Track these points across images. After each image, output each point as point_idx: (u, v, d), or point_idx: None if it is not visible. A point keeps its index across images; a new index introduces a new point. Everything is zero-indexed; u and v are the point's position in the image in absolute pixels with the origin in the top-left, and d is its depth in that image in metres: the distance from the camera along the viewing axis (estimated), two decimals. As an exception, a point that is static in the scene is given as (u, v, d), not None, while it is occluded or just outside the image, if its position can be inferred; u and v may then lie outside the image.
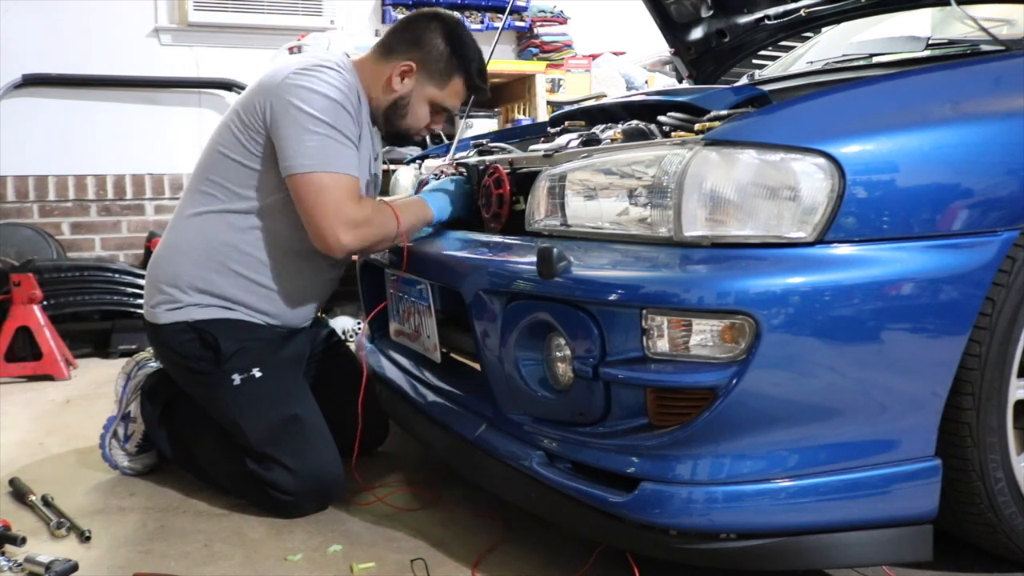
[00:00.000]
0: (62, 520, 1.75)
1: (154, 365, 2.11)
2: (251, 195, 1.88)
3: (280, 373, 1.89)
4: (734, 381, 1.24)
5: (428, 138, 3.89)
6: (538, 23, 4.59)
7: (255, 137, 1.85)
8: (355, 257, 2.19)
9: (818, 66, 2.30)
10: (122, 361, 2.25)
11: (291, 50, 3.81)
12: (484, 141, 2.20)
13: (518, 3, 4.56)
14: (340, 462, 1.86)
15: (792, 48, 2.92)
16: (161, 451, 2.04)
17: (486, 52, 2.02)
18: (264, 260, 1.90)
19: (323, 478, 1.82)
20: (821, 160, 1.26)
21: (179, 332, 1.89)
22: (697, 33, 2.65)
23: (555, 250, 1.35)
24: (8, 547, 1.63)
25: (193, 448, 1.97)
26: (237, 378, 1.85)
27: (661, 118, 1.58)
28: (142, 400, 2.05)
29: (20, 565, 1.56)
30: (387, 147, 3.73)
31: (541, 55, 4.54)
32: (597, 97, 4.06)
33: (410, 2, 4.41)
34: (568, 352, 1.41)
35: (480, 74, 2.00)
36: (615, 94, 4.05)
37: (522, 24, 4.62)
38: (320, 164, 1.77)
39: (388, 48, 1.97)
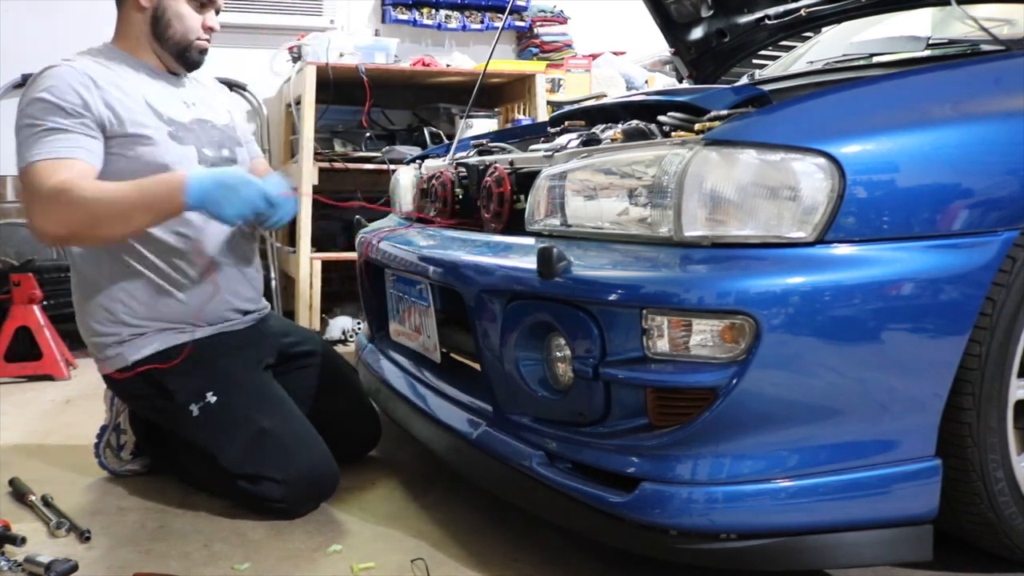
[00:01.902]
0: (62, 520, 1.75)
1: None
2: None
3: (235, 389, 1.84)
4: (734, 381, 1.24)
5: (428, 138, 3.90)
6: (538, 23, 4.59)
7: None
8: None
9: (818, 66, 2.30)
10: None
11: (291, 50, 3.81)
12: (484, 141, 2.20)
13: (518, 3, 4.56)
14: (326, 454, 1.82)
15: (792, 48, 2.92)
16: (158, 464, 2.03)
17: (486, 52, 2.02)
18: (145, 266, 1.85)
19: (312, 478, 1.79)
20: (821, 160, 1.26)
21: (128, 381, 1.87)
22: (697, 33, 2.65)
23: (555, 250, 1.35)
24: (8, 547, 1.63)
25: (187, 464, 1.94)
26: (195, 408, 1.81)
27: (661, 118, 1.58)
28: (131, 413, 2.03)
29: (20, 565, 1.55)
30: (387, 147, 3.74)
31: (541, 55, 4.54)
32: (597, 97, 4.06)
33: (410, 1, 4.41)
34: (568, 352, 1.41)
35: None
36: (615, 94, 4.05)
37: (522, 24, 4.62)
38: (27, 157, 1.73)
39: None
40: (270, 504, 1.77)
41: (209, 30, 1.97)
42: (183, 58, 1.97)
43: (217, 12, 1.99)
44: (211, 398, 1.81)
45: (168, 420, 1.89)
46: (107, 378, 1.95)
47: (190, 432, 1.83)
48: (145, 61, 1.95)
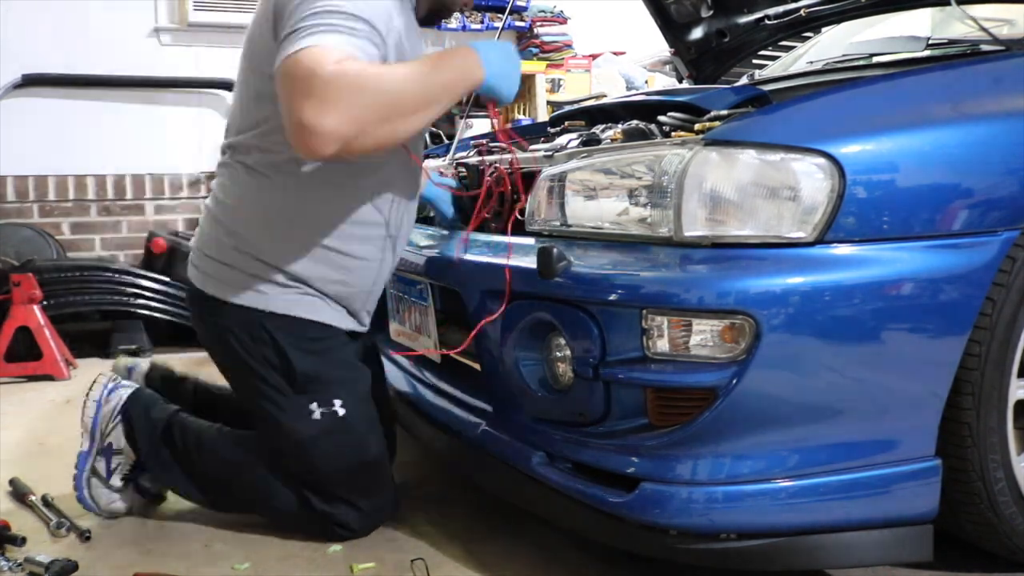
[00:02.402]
0: (62, 520, 1.75)
1: (128, 384, 1.83)
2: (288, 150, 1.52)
3: (361, 407, 1.68)
4: (734, 381, 1.24)
5: (428, 138, 3.90)
6: (538, 23, 4.59)
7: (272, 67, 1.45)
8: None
9: (818, 66, 2.30)
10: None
11: None
12: (484, 141, 2.20)
13: (518, 3, 4.56)
14: (393, 483, 1.74)
15: (792, 48, 2.92)
16: (180, 490, 1.79)
17: (494, 33, 2.00)
18: (335, 221, 1.62)
19: (387, 508, 1.73)
20: (821, 160, 1.26)
21: (247, 324, 1.63)
22: (697, 33, 2.65)
23: (555, 250, 1.35)
24: (8, 547, 1.63)
25: (234, 486, 1.74)
26: (317, 411, 1.63)
27: (661, 118, 1.58)
28: (125, 428, 1.78)
29: (20, 565, 1.56)
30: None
31: (541, 55, 4.54)
32: (597, 97, 4.06)
33: (410, 2, 4.41)
34: (568, 352, 1.41)
35: None
36: (615, 94, 4.05)
37: (522, 24, 4.62)
38: (305, 44, 1.35)
39: None
40: (340, 531, 1.66)
41: (465, 4, 1.75)
42: (432, 13, 1.72)
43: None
44: (339, 407, 1.64)
45: (264, 396, 1.64)
46: (214, 302, 1.65)
47: (296, 429, 1.62)
48: None
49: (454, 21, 4.47)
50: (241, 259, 1.64)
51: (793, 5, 2.46)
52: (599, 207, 1.42)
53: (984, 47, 1.78)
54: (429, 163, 2.21)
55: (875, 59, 2.10)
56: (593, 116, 1.98)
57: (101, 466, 1.78)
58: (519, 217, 1.60)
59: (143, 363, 1.93)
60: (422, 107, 1.44)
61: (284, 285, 1.64)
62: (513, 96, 1.55)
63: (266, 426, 1.68)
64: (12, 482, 1.97)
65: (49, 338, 3.21)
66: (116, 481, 1.78)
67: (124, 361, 1.92)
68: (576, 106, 2.23)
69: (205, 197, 3.44)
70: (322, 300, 1.67)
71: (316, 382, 1.64)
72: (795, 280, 1.24)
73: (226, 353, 1.69)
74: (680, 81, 2.85)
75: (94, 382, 1.84)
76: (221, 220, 1.69)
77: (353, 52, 1.38)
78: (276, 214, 1.63)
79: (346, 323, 1.72)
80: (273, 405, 1.64)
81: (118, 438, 1.78)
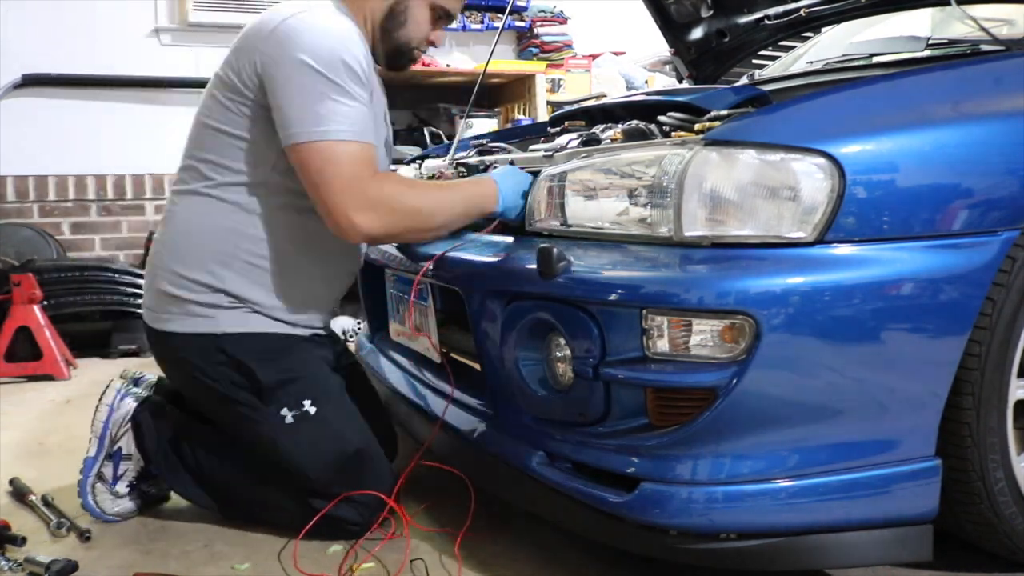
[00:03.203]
0: (62, 520, 1.75)
1: (140, 392, 1.83)
2: (249, 171, 1.67)
3: (333, 404, 1.71)
4: (734, 381, 1.24)
5: (428, 138, 3.90)
6: (538, 23, 4.60)
7: (245, 102, 1.64)
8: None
9: (818, 66, 2.30)
10: (114, 365, 2.04)
11: None
12: (484, 141, 2.20)
13: (518, 3, 4.56)
14: (392, 474, 1.74)
15: (792, 48, 2.92)
16: (186, 494, 1.81)
17: (486, 52, 2.01)
18: (273, 247, 1.69)
19: (384, 500, 1.71)
20: (821, 160, 1.26)
21: (202, 349, 1.67)
22: (697, 33, 2.65)
23: (555, 250, 1.35)
24: (8, 547, 1.63)
25: (236, 491, 1.77)
26: (288, 415, 1.65)
27: (661, 118, 1.58)
28: (136, 433, 1.78)
29: (20, 565, 1.56)
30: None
31: (541, 55, 4.54)
32: (597, 97, 4.06)
33: (410, 2, 4.41)
34: (568, 352, 1.41)
35: None
36: (615, 94, 4.05)
37: (522, 24, 4.62)
38: (329, 130, 1.55)
39: None
40: (344, 525, 1.67)
41: (430, 44, 1.85)
42: (394, 60, 1.83)
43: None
44: (309, 407, 1.67)
45: (237, 415, 1.69)
46: (171, 337, 1.69)
47: (274, 438, 1.66)
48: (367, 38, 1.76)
49: (454, 21, 4.47)
50: (186, 289, 1.69)
51: (793, 5, 2.46)
52: (599, 207, 1.42)
53: (984, 47, 1.78)
54: (433, 163, 2.21)
55: (875, 59, 2.10)
56: (593, 116, 1.98)
57: (107, 471, 1.78)
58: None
59: (149, 376, 1.92)
60: (443, 227, 1.67)
61: (231, 307, 1.69)
62: (519, 219, 1.62)
63: (249, 440, 1.71)
64: (12, 482, 1.97)
65: (49, 338, 3.21)
66: (121, 487, 1.79)
67: (131, 372, 1.92)
68: (576, 106, 2.23)
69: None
70: (271, 315, 1.72)
71: (282, 388, 1.67)
72: (795, 280, 1.24)
73: (192, 384, 1.74)
74: (680, 81, 2.85)
75: (107, 387, 1.84)
76: (164, 251, 1.74)
77: (370, 138, 1.60)
78: (220, 238, 1.68)
79: (300, 330, 1.76)
80: (248, 421, 1.68)
81: (128, 444, 1.79)
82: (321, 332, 1.83)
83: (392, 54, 1.82)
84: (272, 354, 1.69)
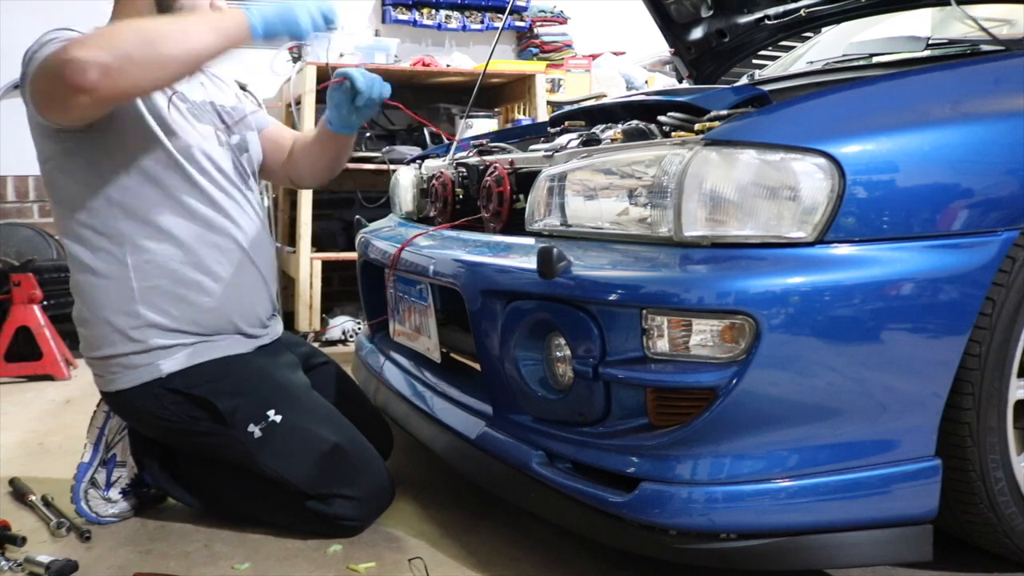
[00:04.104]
0: (62, 520, 1.75)
1: None
2: (104, 192, 1.65)
3: (295, 405, 1.71)
4: (734, 381, 1.24)
5: (428, 138, 3.90)
6: (538, 23, 4.59)
7: (48, 129, 1.66)
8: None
9: (818, 66, 2.30)
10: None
11: (291, 50, 3.81)
12: (484, 141, 2.20)
13: (518, 3, 4.56)
14: (384, 466, 1.76)
15: (792, 48, 2.92)
16: (180, 500, 1.81)
17: (486, 52, 2.00)
18: (170, 261, 1.67)
19: (381, 491, 1.73)
20: (821, 160, 1.26)
21: (154, 397, 1.67)
22: (697, 33, 2.65)
23: (555, 250, 1.35)
24: (8, 547, 1.63)
25: (231, 497, 1.77)
26: (256, 430, 1.65)
27: (661, 118, 1.58)
28: (131, 442, 1.79)
29: (20, 565, 1.55)
30: (387, 147, 3.74)
31: (541, 55, 4.54)
32: (597, 97, 4.06)
33: (410, 1, 4.41)
34: (568, 352, 1.41)
35: None
36: (615, 94, 4.05)
37: (522, 24, 4.62)
38: (42, 51, 1.52)
39: None
40: (342, 523, 1.67)
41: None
42: None
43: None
44: (274, 417, 1.66)
45: (207, 443, 1.70)
46: (120, 396, 1.70)
47: (247, 455, 1.66)
48: None
49: (454, 21, 4.47)
50: (113, 348, 1.68)
51: (793, 5, 2.46)
52: (599, 207, 1.42)
53: (984, 47, 1.78)
54: (433, 163, 2.21)
55: (875, 59, 2.10)
56: (593, 116, 1.98)
57: (101, 477, 1.78)
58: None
59: None
60: (181, 37, 1.48)
61: (165, 346, 1.68)
62: (301, 25, 1.55)
63: (231, 463, 1.71)
64: (12, 482, 1.97)
65: (49, 338, 3.20)
66: (113, 494, 1.78)
67: None
68: (576, 106, 2.23)
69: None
70: (206, 341, 1.71)
71: (241, 408, 1.67)
72: (795, 280, 1.24)
73: (159, 431, 1.75)
74: (680, 81, 2.85)
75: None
76: (79, 321, 1.74)
77: None
78: (115, 284, 1.66)
79: (241, 347, 1.76)
80: (221, 447, 1.69)
81: (123, 451, 1.80)
82: (266, 342, 1.83)
83: None
84: (220, 378, 1.69)
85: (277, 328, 1.90)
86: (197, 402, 1.67)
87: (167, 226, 1.68)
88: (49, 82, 1.50)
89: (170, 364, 1.68)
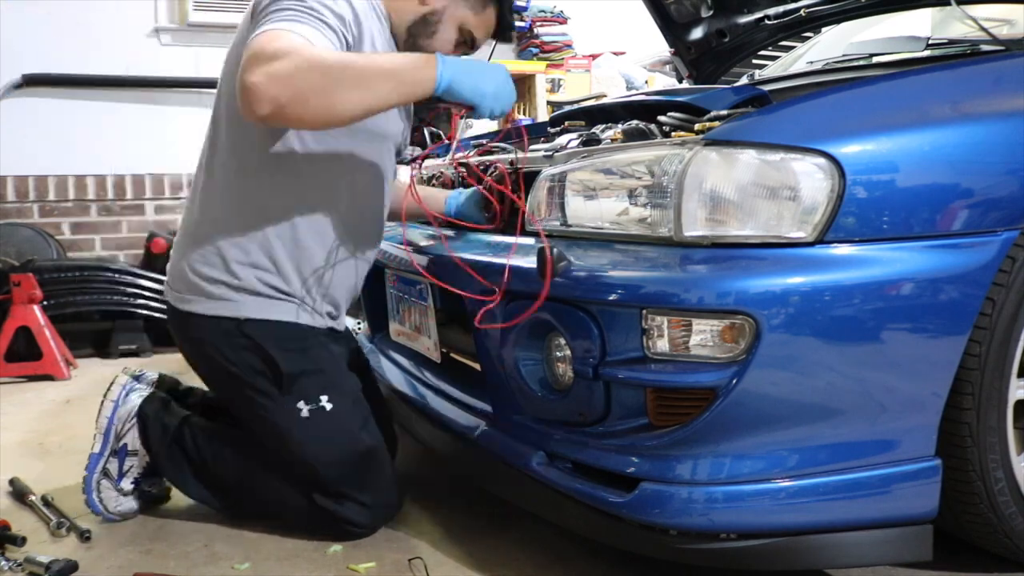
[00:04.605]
0: (62, 520, 1.75)
1: (144, 388, 1.85)
2: (265, 156, 1.66)
3: (349, 402, 1.71)
4: (734, 381, 1.24)
5: (428, 137, 3.90)
6: (538, 23, 4.59)
7: None
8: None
9: (818, 66, 2.30)
10: (114, 365, 2.04)
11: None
12: (484, 141, 2.20)
13: (518, 3, 4.56)
14: (396, 476, 1.75)
15: (792, 48, 2.92)
16: (192, 494, 1.79)
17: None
18: (293, 234, 1.68)
19: (391, 504, 1.73)
20: (821, 160, 1.26)
21: (226, 333, 1.66)
22: (697, 33, 2.65)
23: (555, 250, 1.35)
24: (8, 547, 1.63)
25: (239, 488, 1.76)
26: (304, 408, 1.65)
27: (661, 118, 1.58)
28: (141, 429, 1.78)
29: (20, 565, 1.56)
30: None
31: (541, 55, 4.54)
32: (597, 97, 4.06)
33: (410, 2, 4.41)
34: (568, 352, 1.41)
35: (511, 11, 1.82)
36: (615, 94, 4.05)
37: (522, 24, 4.61)
38: (264, 29, 1.45)
39: None
40: (347, 526, 1.67)
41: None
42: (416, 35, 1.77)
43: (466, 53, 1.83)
44: (326, 403, 1.66)
45: (254, 402, 1.67)
46: (185, 315, 1.69)
47: (287, 429, 1.65)
48: (387, 22, 1.75)
49: (474, 52, 4.46)
50: (212, 271, 1.68)
51: (793, 5, 2.46)
52: (599, 207, 1.42)
53: (984, 47, 1.78)
54: (433, 163, 2.21)
55: (875, 59, 2.10)
56: (593, 116, 1.98)
57: (113, 467, 1.78)
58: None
59: (151, 373, 1.93)
60: (360, 85, 1.44)
61: (255, 292, 1.67)
62: (483, 99, 1.54)
63: (261, 430, 1.70)
64: (12, 482, 1.97)
65: (49, 338, 3.21)
66: (127, 484, 1.78)
67: (132, 370, 1.92)
68: (576, 106, 2.23)
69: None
70: (295, 303, 1.70)
71: (301, 381, 1.66)
72: (795, 280, 1.24)
73: (211, 367, 1.73)
74: (680, 81, 2.85)
75: (112, 383, 1.84)
76: (189, 236, 1.73)
77: (309, 34, 1.46)
78: (244, 220, 1.67)
79: (321, 322, 1.75)
80: (263, 409, 1.67)
81: (133, 440, 1.78)
82: (338, 327, 1.82)
83: (412, 38, 1.77)
84: (294, 344, 1.68)
85: (344, 320, 1.89)
86: (264, 357, 1.65)
87: (320, 191, 1.68)
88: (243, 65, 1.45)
89: (253, 310, 1.66)
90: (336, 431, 1.67)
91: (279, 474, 1.70)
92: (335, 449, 1.66)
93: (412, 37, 1.77)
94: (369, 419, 1.74)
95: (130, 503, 1.79)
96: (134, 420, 1.79)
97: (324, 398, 1.66)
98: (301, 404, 1.65)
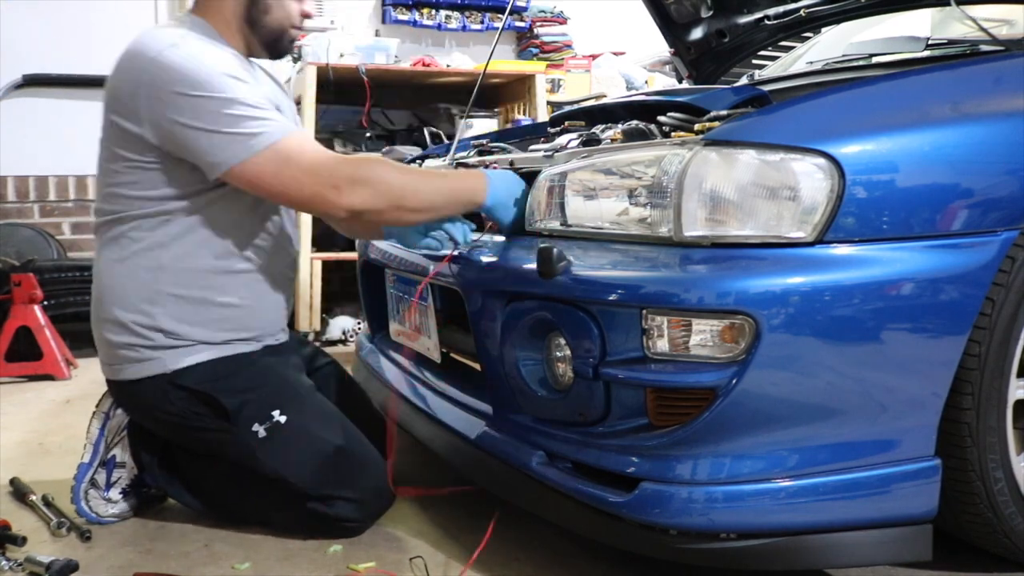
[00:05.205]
0: (62, 520, 1.75)
1: None
2: (162, 198, 1.64)
3: (300, 407, 1.70)
4: (734, 381, 1.24)
5: (428, 138, 3.90)
6: (538, 23, 4.59)
7: (144, 127, 1.59)
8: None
9: (818, 66, 2.30)
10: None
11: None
12: (484, 141, 2.20)
13: (518, 3, 4.56)
14: (385, 467, 1.74)
15: (792, 48, 2.92)
16: (180, 501, 1.81)
17: (486, 53, 1.99)
18: (196, 274, 1.67)
19: (381, 493, 1.72)
20: (821, 160, 1.26)
21: (159, 391, 1.67)
22: (697, 33, 2.65)
23: (555, 250, 1.35)
24: (8, 547, 1.63)
25: (231, 497, 1.76)
26: (260, 429, 1.65)
27: (661, 118, 1.58)
28: (131, 442, 1.79)
29: (20, 565, 1.56)
30: (387, 147, 3.73)
31: (541, 55, 4.54)
32: (597, 97, 4.06)
33: (410, 2, 4.41)
34: (568, 352, 1.41)
35: None
36: (615, 94, 4.05)
37: (522, 24, 4.62)
38: (257, 139, 1.54)
39: None
40: (343, 524, 1.67)
41: (305, 17, 1.78)
42: (274, 47, 1.78)
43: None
44: (279, 417, 1.66)
45: (210, 440, 1.69)
46: (126, 386, 1.70)
47: (251, 455, 1.66)
48: (233, 46, 1.73)
49: (454, 21, 4.47)
50: (127, 335, 1.67)
51: (793, 5, 2.46)
52: (599, 207, 1.42)
53: (984, 47, 1.78)
54: (433, 164, 2.21)
55: (875, 59, 2.10)
56: (593, 116, 1.98)
57: (101, 478, 1.78)
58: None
59: None
60: (428, 205, 1.60)
61: (175, 346, 1.68)
62: (510, 222, 1.60)
63: (232, 460, 1.71)
64: (12, 482, 1.97)
65: (49, 338, 3.20)
66: (114, 494, 1.78)
67: None
68: (576, 106, 2.23)
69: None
70: (216, 343, 1.71)
71: (249, 406, 1.67)
72: (795, 280, 1.24)
73: (162, 425, 1.75)
74: (680, 81, 2.85)
75: (104, 394, 1.83)
76: (99, 301, 1.72)
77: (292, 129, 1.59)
78: (143, 279, 1.66)
79: (255, 346, 1.76)
80: (223, 444, 1.69)
81: (122, 452, 1.80)
82: (274, 342, 1.81)
83: (270, 42, 1.77)
84: (227, 377, 1.69)
85: (283, 333, 1.89)
86: (203, 399, 1.67)
87: (219, 241, 1.69)
88: (274, 191, 1.58)
89: (177, 360, 1.67)
90: (298, 440, 1.67)
91: (266, 487, 1.70)
92: (304, 457, 1.66)
93: (255, 24, 1.73)
94: (333, 417, 1.73)
95: (121, 505, 1.79)
96: (124, 433, 1.80)
97: (276, 412, 1.67)
98: (256, 426, 1.66)
